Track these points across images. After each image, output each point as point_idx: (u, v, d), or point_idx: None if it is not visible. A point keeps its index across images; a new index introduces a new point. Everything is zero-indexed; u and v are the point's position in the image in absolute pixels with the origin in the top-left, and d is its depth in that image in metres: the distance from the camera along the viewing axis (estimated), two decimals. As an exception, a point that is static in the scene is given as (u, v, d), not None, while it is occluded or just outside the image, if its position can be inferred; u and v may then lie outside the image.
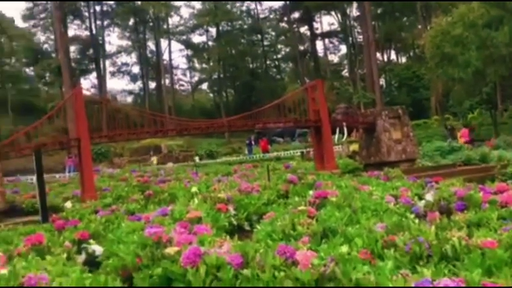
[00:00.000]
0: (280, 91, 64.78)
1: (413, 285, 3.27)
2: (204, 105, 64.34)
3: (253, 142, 35.50)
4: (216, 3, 58.10)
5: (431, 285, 3.15)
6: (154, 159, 31.26)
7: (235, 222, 7.67)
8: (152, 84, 68.10)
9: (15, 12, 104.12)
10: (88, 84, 68.01)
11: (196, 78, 70.83)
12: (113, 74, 69.84)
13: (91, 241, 6.96)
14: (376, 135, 14.28)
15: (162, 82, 61.95)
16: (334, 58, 70.37)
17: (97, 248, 6.79)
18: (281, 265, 3.92)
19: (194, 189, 10.03)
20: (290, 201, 7.65)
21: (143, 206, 8.94)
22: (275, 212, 7.22)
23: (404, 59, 71.05)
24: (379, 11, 59.66)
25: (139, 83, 69.01)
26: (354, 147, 19.24)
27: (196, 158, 33.37)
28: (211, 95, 68.00)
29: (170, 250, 4.70)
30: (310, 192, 10.12)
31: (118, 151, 40.48)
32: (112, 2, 63.14)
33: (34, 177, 25.55)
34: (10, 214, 10.90)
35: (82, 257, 6.48)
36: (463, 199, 7.42)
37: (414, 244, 4.35)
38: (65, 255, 5.89)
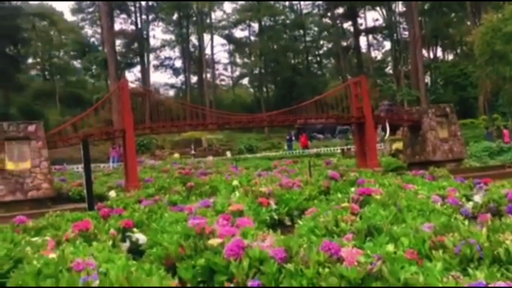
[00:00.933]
0: (322, 87, 64.17)
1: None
2: (244, 100, 64.52)
3: (293, 138, 35.36)
4: (259, -2, 58.12)
5: (485, 289, 3.03)
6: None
7: (276, 217, 7.65)
8: (194, 79, 68.94)
9: (64, 5, 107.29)
10: (132, 77, 69.45)
11: (237, 73, 71.21)
12: (156, 67, 71.10)
13: (135, 229, 7.09)
14: (422, 133, 13.90)
15: (204, 76, 62.58)
16: (377, 55, 69.11)
17: (140, 237, 6.91)
18: (325, 261, 3.85)
19: (235, 182, 10.07)
20: (332, 198, 7.55)
21: (185, 198, 9.06)
22: (317, 208, 7.15)
23: (450, 57, 68.98)
24: (426, 6, 57.96)
25: (181, 77, 70.01)
26: (398, 145, 18.83)
27: (228, 153, 33.46)
28: (252, 90, 68.13)
29: (213, 242, 4.71)
30: (352, 189, 9.98)
31: (159, 143, 41.22)
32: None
33: (80, 166, 26.40)
34: (57, 201, 11.29)
35: (126, 245, 6.60)
36: (514, 201, 7.12)
37: (465, 246, 4.19)
38: (110, 242, 6.01)
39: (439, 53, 68.83)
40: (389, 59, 66.40)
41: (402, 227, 5.24)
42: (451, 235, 4.57)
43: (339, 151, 29.20)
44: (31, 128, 10.72)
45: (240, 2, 63.53)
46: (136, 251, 6.64)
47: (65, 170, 22.50)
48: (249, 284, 3.85)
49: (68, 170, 23.67)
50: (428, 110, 14.13)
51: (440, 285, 3.26)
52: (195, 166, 19.30)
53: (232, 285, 3.97)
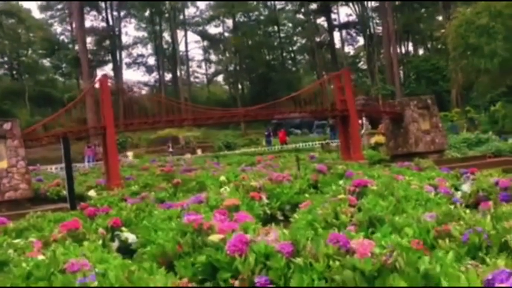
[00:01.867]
0: (297, 83, 64.37)
1: (489, 276, 3.03)
2: (219, 97, 64.11)
3: (271, 134, 35.31)
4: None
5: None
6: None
7: (268, 211, 7.50)
8: (167, 76, 68.15)
9: (32, 3, 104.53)
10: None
11: (211, 70, 70.72)
12: (128, 65, 70.03)
13: (123, 228, 6.83)
14: (404, 125, 13.96)
15: (178, 74, 61.91)
16: (350, 50, 69.67)
17: (129, 236, 6.66)
18: (334, 254, 3.71)
19: (222, 178, 9.90)
20: (326, 190, 7.43)
21: (172, 195, 8.81)
22: (311, 201, 7.04)
23: (421, 51, 70.01)
24: (397, 2, 58.72)
25: (155, 75, 69.10)
26: (377, 138, 18.94)
27: (199, 151, 32.94)
28: (226, 87, 67.81)
29: (214, 237, 4.53)
30: (341, 181, 9.92)
31: (134, 142, 40.58)
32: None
33: (54, 167, 25.67)
34: (35, 202, 10.86)
35: (115, 245, 6.36)
36: (506, 189, 7.14)
37: (473, 234, 4.11)
38: (100, 242, 5.77)
39: (410, 48, 69.89)
40: (362, 54, 67.15)
41: (404, 217, 5.16)
42: (454, 224, 4.51)
43: (318, 146, 29.25)
44: (7, 125, 10.21)
45: (213, -2, 63.15)
46: (125, 251, 6.39)
47: (38, 171, 21.84)
48: (256, 280, 3.68)
49: (42, 170, 23.00)
50: (410, 102, 14.20)
51: (462, 275, 3.15)
52: (174, 163, 18.99)
53: (237, 282, 3.79)
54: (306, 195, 8.39)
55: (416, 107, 14.01)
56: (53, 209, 9.20)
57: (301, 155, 16.29)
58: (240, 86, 61.58)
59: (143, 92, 65.93)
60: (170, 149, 32.53)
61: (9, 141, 10.01)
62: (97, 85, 13.35)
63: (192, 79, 69.15)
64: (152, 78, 69.61)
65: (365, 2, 60.39)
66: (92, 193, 12.35)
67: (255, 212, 6.75)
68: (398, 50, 59.88)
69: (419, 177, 8.60)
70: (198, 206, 6.16)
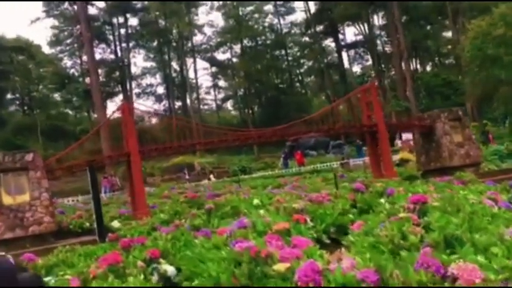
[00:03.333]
0: (307, 105, 64.25)
1: None
2: (230, 122, 63.98)
3: (288, 156, 34.84)
4: (238, 20, 58.21)
5: None
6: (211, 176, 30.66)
7: (314, 235, 6.95)
8: (177, 104, 68.21)
9: (42, 38, 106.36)
10: (113, 106, 68.50)
11: (220, 96, 70.76)
12: (138, 95, 70.22)
13: (161, 260, 6.32)
14: (436, 139, 13.38)
15: (188, 101, 62.00)
16: (357, 69, 69.57)
17: (168, 268, 6.15)
18: (429, 281, 3.19)
19: (256, 201, 9.37)
20: (379, 209, 6.86)
21: (206, 221, 8.30)
22: (363, 221, 6.50)
23: (428, 68, 69.76)
24: (403, 19, 58.78)
25: (164, 103, 69.23)
26: (403, 155, 18.33)
27: (211, 176, 32.54)
28: (235, 112, 67.79)
29: (280, 267, 4.00)
30: (382, 200, 9.32)
31: (148, 170, 40.22)
32: (135, 24, 63.87)
33: (70, 199, 25.23)
34: (59, 235, 10.37)
35: (154, 278, 5.85)
36: None
37: None
38: (142, 277, 5.27)
39: (416, 64, 69.60)
40: (369, 72, 67.04)
41: (484, 235, 4.61)
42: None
43: (335, 166, 28.66)
44: (28, 157, 9.82)
45: (220, 25, 63.63)
46: (166, 285, 5.90)
47: (56, 204, 21.42)
48: (339, 314, 3.15)
49: (59, 203, 22.59)
50: (440, 114, 13.64)
51: None
52: (194, 190, 18.50)
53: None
54: (350, 215, 7.86)
55: (447, 119, 13.46)
56: (80, 242, 8.71)
57: (326, 175, 15.78)
58: (250, 110, 61.46)
59: (153, 120, 66.09)
60: (187, 176, 32.09)
61: (31, 173, 9.60)
62: (115, 114, 13.01)
63: (201, 106, 69.21)
64: (162, 106, 69.76)
65: (372, 21, 60.48)
66: (116, 224, 11.86)
67: (304, 236, 6.22)
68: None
69: (470, 192, 8.03)
70: (244, 232, 5.63)
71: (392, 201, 8.78)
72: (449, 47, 68.04)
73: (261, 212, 8.06)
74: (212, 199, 11.63)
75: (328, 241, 7.23)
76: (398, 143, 27.10)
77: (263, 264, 4.39)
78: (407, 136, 36.26)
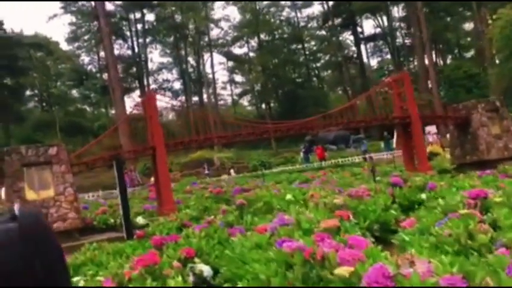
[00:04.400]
0: (324, 99, 63.56)
1: None
2: (247, 117, 63.57)
3: (308, 150, 34.33)
4: (255, 13, 57.73)
5: None
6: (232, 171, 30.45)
7: (359, 232, 6.48)
8: (194, 99, 67.98)
9: (59, 35, 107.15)
10: (131, 102, 68.55)
11: (236, 91, 70.35)
12: (155, 91, 70.10)
13: (196, 260, 5.92)
14: (472, 131, 12.73)
15: (205, 96, 61.67)
16: (374, 63, 68.51)
17: (204, 268, 5.75)
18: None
19: (289, 196, 8.93)
20: (432, 204, 6.36)
21: (238, 217, 7.88)
22: (415, 218, 6.03)
23: (448, 61, 68.39)
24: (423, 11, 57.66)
25: (181, 98, 69.00)
26: (432, 148, 17.67)
27: (232, 171, 32.34)
28: (250, 108, 67.32)
29: (343, 271, 3.55)
30: (423, 195, 8.80)
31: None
32: (152, 20, 63.71)
33: (90, 195, 25.08)
34: (83, 232, 10.05)
35: (190, 279, 5.45)
36: None
37: None
38: (180, 278, 4.87)
39: (437, 57, 68.29)
40: (388, 66, 65.99)
41: None
42: None
43: (358, 160, 28.11)
44: (52, 150, 9.45)
45: (236, 19, 63.18)
46: (202, 286, 5.52)
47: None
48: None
49: (81, 199, 22.40)
50: (477, 105, 12.97)
51: None
52: (217, 185, 18.11)
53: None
54: (393, 211, 7.38)
55: (484, 110, 12.79)
56: (107, 239, 8.37)
57: (357, 169, 15.24)
58: (267, 105, 60.96)
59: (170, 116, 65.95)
60: (207, 171, 31.77)
61: (55, 167, 9.23)
62: (137, 108, 12.63)
63: (218, 101, 68.86)
64: (178, 102, 69.50)
65: (391, 13, 59.43)
66: (140, 220, 11.53)
67: (351, 235, 5.74)
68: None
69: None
70: (289, 230, 5.18)
71: (434, 196, 8.28)
72: (469, 39, 67.12)
73: (298, 208, 7.64)
74: (239, 194, 11.21)
75: (372, 239, 6.75)
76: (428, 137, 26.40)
77: (319, 267, 3.95)
78: (429, 130, 35.49)
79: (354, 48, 64.51)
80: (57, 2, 70.79)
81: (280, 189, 11.80)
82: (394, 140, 35.13)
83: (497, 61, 35.11)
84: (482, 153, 12.47)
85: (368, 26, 71.00)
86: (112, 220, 11.41)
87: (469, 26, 65.29)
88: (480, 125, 12.58)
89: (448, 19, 62.50)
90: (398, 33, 62.25)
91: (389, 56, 65.93)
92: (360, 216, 6.86)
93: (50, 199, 9.06)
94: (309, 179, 14.64)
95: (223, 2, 64.00)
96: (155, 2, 61.92)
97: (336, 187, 10.99)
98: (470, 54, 67.47)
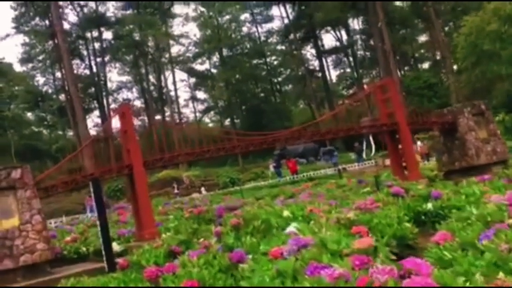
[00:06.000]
0: (288, 113, 63.52)
1: None
2: (210, 135, 62.52)
3: (280, 165, 33.71)
4: (217, 28, 57.36)
5: None
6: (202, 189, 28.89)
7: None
8: (156, 117, 66.48)
9: (13, 56, 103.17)
10: (90, 123, 66.37)
11: (199, 108, 69.35)
12: (114, 111, 68.26)
13: (203, 293, 5.06)
14: (459, 136, 12.36)
15: (167, 114, 60.39)
16: (333, 76, 69.27)
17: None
18: None
19: (286, 213, 8.15)
20: (463, 215, 5.71)
21: (235, 239, 7.04)
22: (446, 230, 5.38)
23: (403, 72, 69.99)
24: (379, 25, 58.85)
25: (142, 117, 67.34)
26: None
27: (203, 189, 31.53)
28: (212, 125, 66.48)
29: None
30: (429, 205, 8.22)
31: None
32: (110, 38, 62.21)
33: (53, 221, 23.43)
34: (53, 263, 8.90)
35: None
36: None
37: None
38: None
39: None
40: (347, 78, 66.74)
41: None
42: None
43: (331, 172, 27.68)
44: (16, 173, 8.28)
45: (198, 35, 62.57)
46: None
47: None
48: None
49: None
50: (463, 109, 12.65)
51: None
52: (192, 205, 17.15)
53: None
54: (407, 224, 6.70)
55: (470, 114, 12.49)
56: (84, 272, 7.32)
57: (342, 181, 14.67)
58: (230, 121, 60.29)
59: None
60: (176, 190, 30.58)
61: (20, 192, 8.07)
62: (113, 123, 11.64)
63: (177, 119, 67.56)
64: (140, 121, 67.89)
65: (352, 24, 60.37)
66: (115, 246, 10.45)
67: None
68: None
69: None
70: (315, 253, 4.40)
71: (442, 206, 7.72)
72: (422, 51, 69.14)
73: (295, 226, 6.91)
74: (227, 213, 10.35)
75: (394, 257, 6.03)
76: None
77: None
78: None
79: (314, 62, 65.05)
80: (10, 22, 68.22)
81: (264, 205, 11.03)
82: (364, 150, 35.11)
83: (455, 69, 35.66)
84: (471, 158, 12.15)
85: (327, 39, 72.83)
86: (84, 249, 10.30)
87: (423, 38, 67.20)
88: (468, 130, 12.28)
89: (403, 31, 64.02)
90: (358, 46, 63.19)
91: (348, 70, 66.96)
92: (375, 231, 6.15)
93: (14, 229, 7.88)
94: (295, 193, 13.96)
95: (182, 19, 63.40)
96: (113, 19, 60.57)
97: (327, 200, 10.31)
98: (425, 65, 69.48)
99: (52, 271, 8.33)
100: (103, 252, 6.84)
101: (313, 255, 4.35)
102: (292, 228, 7.11)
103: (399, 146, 12.30)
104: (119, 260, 7.50)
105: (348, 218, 6.05)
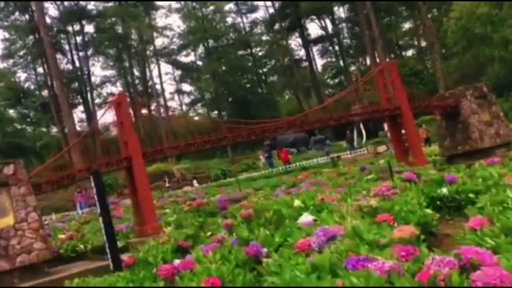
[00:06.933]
0: (275, 104, 63.17)
1: None
2: (199, 126, 61.92)
3: (271, 155, 33.39)
4: (202, 19, 56.64)
5: None
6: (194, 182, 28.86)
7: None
8: (142, 112, 65.56)
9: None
10: (75, 118, 65.24)
11: (185, 101, 68.59)
12: (99, 105, 67.18)
13: (224, 292, 4.71)
14: (462, 119, 12.12)
15: (153, 107, 59.53)
16: (319, 65, 69.02)
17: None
18: None
19: (297, 202, 7.81)
20: (494, 199, 5.41)
21: (250, 232, 6.68)
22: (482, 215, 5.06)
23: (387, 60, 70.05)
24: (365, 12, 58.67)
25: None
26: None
27: (195, 182, 31.25)
28: (197, 118, 65.93)
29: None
30: (444, 190, 7.92)
31: (120, 182, 37.93)
32: (92, 31, 61.06)
33: (44, 218, 22.86)
34: (50, 262, 8.45)
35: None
36: None
37: None
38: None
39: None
40: (332, 67, 66.54)
41: None
42: None
43: (323, 161, 27.49)
44: (8, 170, 7.76)
45: (182, 27, 61.67)
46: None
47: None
48: None
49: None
50: (465, 92, 12.40)
51: None
52: (188, 197, 16.77)
53: None
54: (428, 210, 6.39)
55: (472, 97, 12.26)
56: (86, 272, 6.90)
57: (341, 169, 14.40)
58: (219, 112, 59.75)
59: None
60: (168, 184, 30.11)
61: (13, 189, 7.56)
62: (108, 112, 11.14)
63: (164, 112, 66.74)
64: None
65: (338, 14, 60.05)
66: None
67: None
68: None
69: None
70: (351, 244, 4.04)
71: (457, 190, 7.44)
72: (406, 38, 69.30)
73: (305, 214, 6.60)
74: (227, 206, 9.99)
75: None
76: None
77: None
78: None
79: (300, 52, 64.69)
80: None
81: (270, 196, 10.71)
82: (355, 138, 34.95)
83: (443, 54, 35.63)
84: (475, 142, 11.92)
85: (312, 29, 72.45)
86: (82, 246, 9.86)
87: (408, 25, 67.27)
88: (471, 112, 12.06)
89: (387, 19, 63.95)
90: (345, 34, 62.93)
91: (333, 59, 66.83)
92: (398, 219, 5.82)
93: (9, 228, 7.38)
94: (296, 183, 13.63)
95: (165, 11, 62.43)
96: (95, 12, 59.39)
97: (332, 189, 9.99)
98: (409, 53, 69.69)
99: (51, 271, 7.90)
100: (107, 250, 6.43)
101: (349, 246, 4.00)
102: (306, 218, 6.79)
103: (402, 131, 12.13)
104: (124, 257, 7.11)
105: (370, 206, 5.72)
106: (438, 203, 7.32)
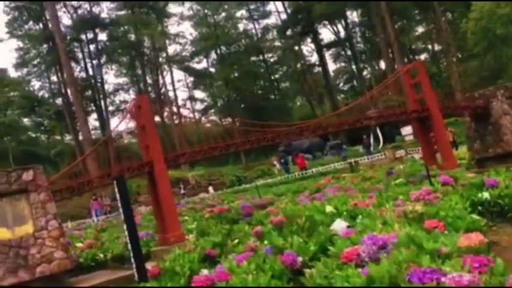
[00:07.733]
0: (287, 109, 62.77)
1: None
2: (212, 133, 61.75)
3: (287, 161, 32.97)
4: (215, 25, 56.59)
5: None
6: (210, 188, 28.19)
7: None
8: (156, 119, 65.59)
9: (7, 62, 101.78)
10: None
11: (197, 107, 68.43)
12: (112, 113, 67.35)
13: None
14: (493, 120, 11.64)
15: (165, 115, 59.48)
16: (332, 69, 68.49)
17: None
18: None
19: (329, 208, 7.41)
20: None
21: (279, 239, 6.30)
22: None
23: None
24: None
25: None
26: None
27: (210, 188, 31.00)
28: (208, 125, 65.69)
29: None
30: (486, 194, 7.50)
31: (133, 189, 37.77)
32: (105, 39, 61.33)
33: (64, 225, 22.64)
34: (72, 272, 8.14)
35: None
36: None
37: None
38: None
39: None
40: (345, 71, 65.96)
41: None
42: None
43: (341, 166, 27.01)
44: (27, 176, 7.44)
45: (194, 34, 61.70)
46: None
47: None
48: None
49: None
50: (496, 92, 11.94)
51: None
52: (205, 204, 16.43)
53: None
54: (474, 215, 5.96)
55: (504, 97, 11.78)
56: (111, 282, 6.56)
57: (365, 174, 13.94)
58: (232, 119, 59.49)
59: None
60: (183, 191, 29.81)
61: (33, 196, 7.24)
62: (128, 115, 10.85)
63: (177, 119, 66.58)
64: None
65: (350, 18, 59.60)
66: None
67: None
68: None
69: None
70: (410, 254, 3.64)
71: (500, 194, 7.02)
72: (419, 42, 68.48)
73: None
74: (252, 212, 9.60)
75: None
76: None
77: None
78: (406, 131, 35.01)
79: (312, 58, 64.35)
80: (3, 27, 67.21)
81: (296, 202, 10.29)
82: (372, 143, 34.41)
83: (459, 57, 35.00)
84: (507, 144, 11.42)
85: (324, 34, 72.16)
86: (102, 255, 9.55)
87: (421, 29, 66.55)
88: (502, 113, 11.58)
89: (400, 23, 63.33)
90: (358, 39, 62.46)
91: (343, 64, 66.30)
92: (446, 225, 5.41)
93: (29, 237, 7.07)
94: (320, 188, 13.23)
95: (177, 19, 62.52)
96: (108, 20, 59.68)
97: (360, 193, 9.57)
98: (422, 57, 68.89)
99: (71, 282, 7.58)
100: (132, 259, 6.10)
101: (408, 256, 3.61)
102: (340, 224, 6.41)
103: (431, 134, 11.68)
104: (148, 267, 6.76)
105: (416, 211, 5.31)
106: (479, 208, 6.89)
